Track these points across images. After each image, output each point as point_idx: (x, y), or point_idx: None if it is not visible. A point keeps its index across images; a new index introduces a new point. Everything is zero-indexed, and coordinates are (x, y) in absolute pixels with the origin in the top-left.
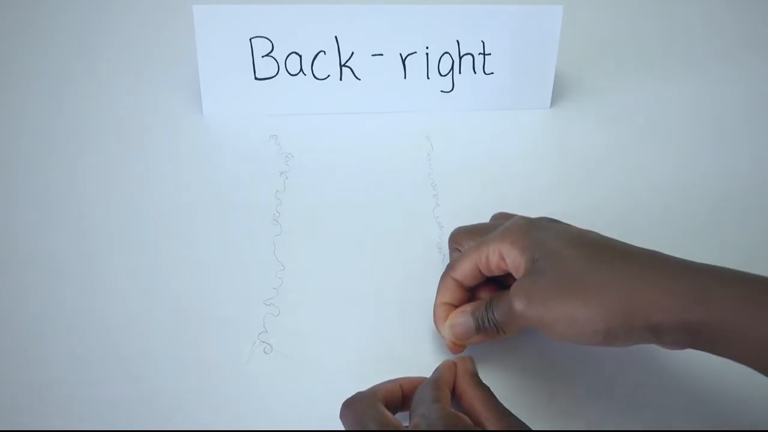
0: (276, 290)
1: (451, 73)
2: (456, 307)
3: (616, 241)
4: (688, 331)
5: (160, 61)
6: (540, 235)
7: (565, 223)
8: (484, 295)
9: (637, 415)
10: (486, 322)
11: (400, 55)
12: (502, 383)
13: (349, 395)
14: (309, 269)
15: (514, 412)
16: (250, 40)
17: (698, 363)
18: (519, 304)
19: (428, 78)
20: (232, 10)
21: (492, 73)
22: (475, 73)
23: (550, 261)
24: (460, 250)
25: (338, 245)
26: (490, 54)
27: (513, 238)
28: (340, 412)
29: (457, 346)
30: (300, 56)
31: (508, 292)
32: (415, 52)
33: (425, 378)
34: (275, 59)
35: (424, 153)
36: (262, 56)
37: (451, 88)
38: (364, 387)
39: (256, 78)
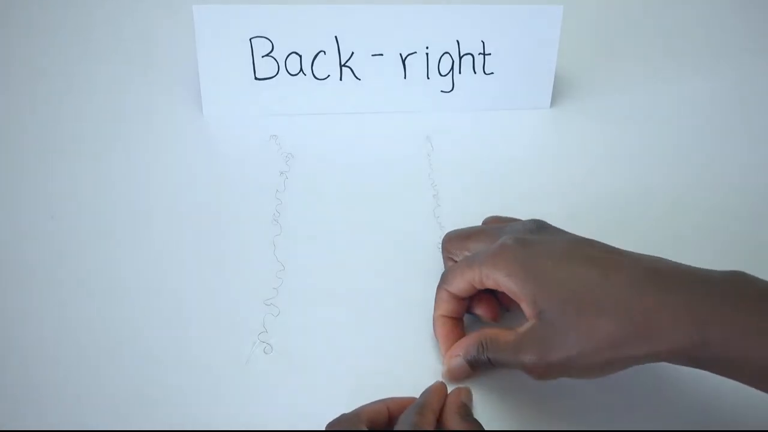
0: (276, 290)
1: (451, 73)
2: (454, 319)
3: (610, 253)
4: (689, 359)
5: (160, 61)
6: (535, 262)
7: (555, 234)
8: (480, 309)
9: (635, 416)
10: (481, 364)
11: (400, 55)
12: (492, 387)
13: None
14: (309, 269)
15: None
16: (250, 40)
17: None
18: (538, 370)
19: (428, 78)
20: (232, 10)
21: (492, 73)
22: (475, 73)
23: (555, 312)
24: (453, 259)
25: (338, 245)
26: (490, 54)
27: (508, 269)
28: None
29: None
30: (300, 56)
31: (503, 334)
32: (415, 52)
33: (414, 399)
34: (275, 59)
35: (424, 153)
36: (262, 56)
37: (451, 88)
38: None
39: (256, 78)
